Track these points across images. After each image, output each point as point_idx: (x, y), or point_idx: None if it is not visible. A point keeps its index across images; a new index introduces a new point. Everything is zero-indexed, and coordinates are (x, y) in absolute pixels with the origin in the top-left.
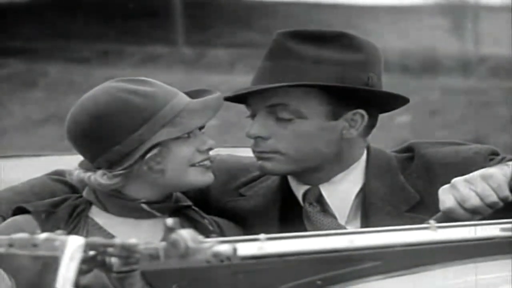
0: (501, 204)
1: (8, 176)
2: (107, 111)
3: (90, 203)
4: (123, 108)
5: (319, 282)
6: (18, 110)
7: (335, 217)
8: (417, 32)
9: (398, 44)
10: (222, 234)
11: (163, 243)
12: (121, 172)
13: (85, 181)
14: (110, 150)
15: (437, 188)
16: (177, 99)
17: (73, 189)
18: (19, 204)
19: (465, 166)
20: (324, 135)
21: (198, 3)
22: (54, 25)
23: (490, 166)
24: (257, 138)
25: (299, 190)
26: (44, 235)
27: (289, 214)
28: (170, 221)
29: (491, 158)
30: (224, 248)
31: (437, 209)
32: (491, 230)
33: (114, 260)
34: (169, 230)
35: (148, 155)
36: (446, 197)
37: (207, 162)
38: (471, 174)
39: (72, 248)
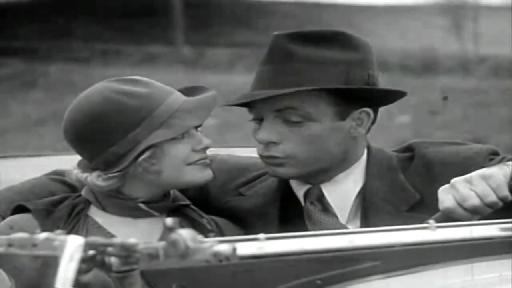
0: (500, 204)
1: (8, 176)
2: (101, 113)
3: (89, 202)
4: (117, 110)
5: (319, 282)
6: (18, 110)
7: (336, 216)
8: (417, 32)
9: (398, 44)
10: (221, 233)
11: (163, 243)
12: (116, 174)
13: (83, 181)
14: (106, 151)
15: (437, 188)
16: (171, 99)
17: (72, 189)
18: (19, 203)
19: (465, 166)
20: (334, 136)
21: (198, 3)
22: (54, 25)
23: (490, 166)
24: (268, 143)
25: (300, 190)
26: (43, 235)
27: (289, 213)
28: (169, 221)
29: (491, 158)
30: (223, 248)
31: (437, 209)
32: (491, 230)
33: (113, 259)
34: (169, 229)
35: (142, 157)
36: (446, 196)
37: (204, 161)
38: (470, 174)
39: (71, 248)
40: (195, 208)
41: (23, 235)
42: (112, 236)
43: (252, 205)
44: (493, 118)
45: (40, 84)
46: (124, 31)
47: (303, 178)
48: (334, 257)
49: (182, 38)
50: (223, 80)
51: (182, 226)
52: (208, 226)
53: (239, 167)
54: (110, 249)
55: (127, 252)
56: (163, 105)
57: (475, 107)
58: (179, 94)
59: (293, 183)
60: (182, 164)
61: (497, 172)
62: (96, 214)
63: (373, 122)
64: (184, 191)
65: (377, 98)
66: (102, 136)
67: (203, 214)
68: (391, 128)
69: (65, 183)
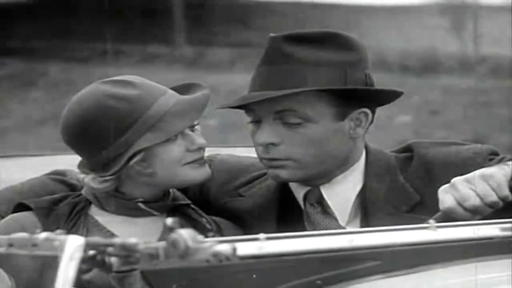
0: (501, 203)
1: (8, 176)
2: (91, 117)
3: (89, 201)
4: (106, 114)
5: (319, 282)
6: (18, 110)
7: (335, 218)
8: (417, 32)
9: (398, 44)
10: (221, 233)
11: (163, 243)
12: (109, 177)
13: (81, 182)
14: (100, 155)
15: (437, 188)
16: (162, 100)
17: (72, 188)
18: (20, 201)
19: (465, 166)
20: (333, 137)
21: (198, 3)
22: (53, 25)
23: (490, 166)
24: (268, 145)
25: (299, 191)
26: (43, 235)
27: (288, 214)
28: (170, 220)
29: (491, 158)
30: (223, 248)
31: (437, 209)
32: (491, 230)
33: (113, 259)
34: (169, 229)
35: (133, 160)
36: (446, 196)
37: (201, 160)
38: (471, 174)
39: (71, 248)
40: (195, 207)
41: (23, 235)
42: (112, 235)
43: (251, 206)
44: (493, 118)
45: (40, 84)
46: (124, 31)
47: (303, 182)
48: (334, 257)
49: (182, 38)
50: (223, 80)
51: (182, 226)
52: (208, 226)
53: (239, 167)
54: (110, 249)
55: (127, 252)
56: (152, 108)
57: (475, 107)
58: (171, 93)
59: (293, 185)
60: (177, 165)
61: (497, 172)
62: (97, 213)
63: (371, 122)
64: (184, 190)
65: (375, 98)
66: (94, 140)
67: (203, 214)
68: (391, 128)
69: (65, 183)
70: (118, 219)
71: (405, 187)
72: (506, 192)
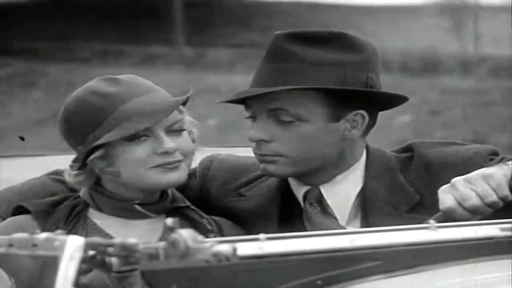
0: (501, 203)
1: (8, 176)
2: (72, 111)
3: (87, 203)
4: (83, 108)
5: (319, 282)
6: (18, 110)
7: (335, 218)
8: (417, 32)
9: (398, 44)
10: (221, 233)
11: (163, 243)
12: (76, 172)
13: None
14: (78, 150)
15: (437, 188)
16: (139, 99)
17: (72, 189)
18: (19, 204)
19: (464, 166)
20: (326, 137)
21: (198, 3)
22: (54, 25)
23: (489, 166)
24: (259, 141)
25: (299, 191)
26: (44, 235)
27: (288, 214)
28: (170, 221)
29: (491, 158)
30: (224, 248)
31: (437, 209)
32: (491, 230)
33: (113, 260)
34: (169, 229)
35: (92, 156)
36: (446, 196)
37: (170, 165)
38: (471, 174)
39: (71, 248)
40: (195, 208)
41: (23, 235)
42: (111, 238)
43: (252, 206)
44: (493, 118)
45: (40, 84)
46: (124, 31)
47: (297, 178)
48: (334, 258)
49: (182, 39)
50: (223, 80)
51: (182, 227)
52: (209, 227)
53: (239, 167)
54: (110, 249)
55: (127, 252)
56: (123, 106)
57: (475, 107)
58: (158, 94)
59: (293, 184)
60: (143, 167)
61: (497, 172)
62: (95, 216)
63: (372, 125)
64: (184, 191)
65: (375, 101)
66: (74, 134)
67: (203, 215)
68: (391, 128)
69: (65, 183)
70: (117, 221)
71: (405, 187)
72: (506, 192)
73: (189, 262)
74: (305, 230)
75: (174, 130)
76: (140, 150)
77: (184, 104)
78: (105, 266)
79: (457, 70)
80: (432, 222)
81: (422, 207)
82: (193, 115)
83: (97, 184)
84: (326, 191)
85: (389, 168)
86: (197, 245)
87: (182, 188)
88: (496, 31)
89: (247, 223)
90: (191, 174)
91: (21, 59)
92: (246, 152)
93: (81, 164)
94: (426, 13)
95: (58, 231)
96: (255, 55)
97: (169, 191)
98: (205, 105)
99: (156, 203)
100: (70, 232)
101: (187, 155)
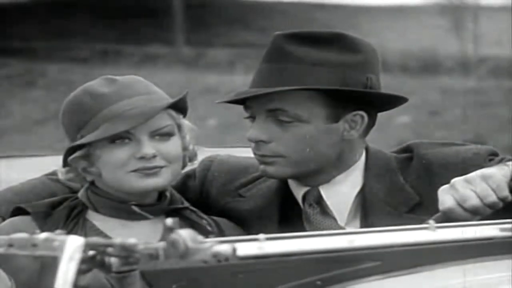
0: (500, 204)
1: (8, 176)
2: (66, 109)
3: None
4: (74, 107)
5: (319, 282)
6: (18, 110)
7: (334, 219)
8: (417, 32)
9: (398, 44)
10: (221, 233)
11: (163, 243)
12: (64, 169)
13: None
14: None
15: (437, 189)
16: (128, 101)
17: (72, 189)
18: (18, 205)
19: (464, 167)
20: (325, 138)
21: (198, 3)
22: (54, 25)
23: (489, 166)
24: (258, 141)
25: (298, 192)
26: (43, 235)
27: (288, 215)
28: (169, 221)
29: (491, 158)
30: (223, 248)
31: (436, 210)
32: (491, 230)
33: (113, 260)
34: (169, 230)
35: (72, 156)
36: (446, 197)
37: (148, 170)
38: (470, 174)
39: (71, 248)
40: (194, 209)
41: (23, 235)
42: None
43: (251, 207)
44: (493, 118)
45: (40, 84)
46: (124, 31)
47: (297, 179)
48: (334, 258)
49: (182, 39)
50: (223, 80)
51: (182, 228)
52: (209, 228)
53: (239, 168)
54: (110, 249)
55: (127, 253)
56: (109, 108)
57: (475, 107)
58: (152, 97)
59: (292, 185)
60: (122, 170)
61: (497, 172)
62: (94, 217)
63: (371, 126)
64: (183, 192)
65: (373, 102)
66: (67, 132)
67: (203, 215)
68: (391, 128)
69: (65, 183)
70: (116, 223)
71: (405, 188)
72: (505, 192)
73: (188, 263)
74: (305, 230)
75: (161, 135)
76: (120, 153)
77: (183, 110)
78: (104, 267)
79: (457, 70)
80: (431, 222)
81: (421, 208)
82: (193, 115)
83: (93, 185)
84: (325, 191)
85: (388, 169)
86: (196, 246)
87: (182, 188)
88: (496, 31)
89: (246, 224)
90: (191, 175)
91: (21, 59)
92: (246, 153)
93: (63, 162)
94: (426, 13)
95: (58, 231)
96: (254, 55)
97: (168, 192)
98: (205, 105)
99: (154, 204)
100: (69, 233)
101: (172, 161)
